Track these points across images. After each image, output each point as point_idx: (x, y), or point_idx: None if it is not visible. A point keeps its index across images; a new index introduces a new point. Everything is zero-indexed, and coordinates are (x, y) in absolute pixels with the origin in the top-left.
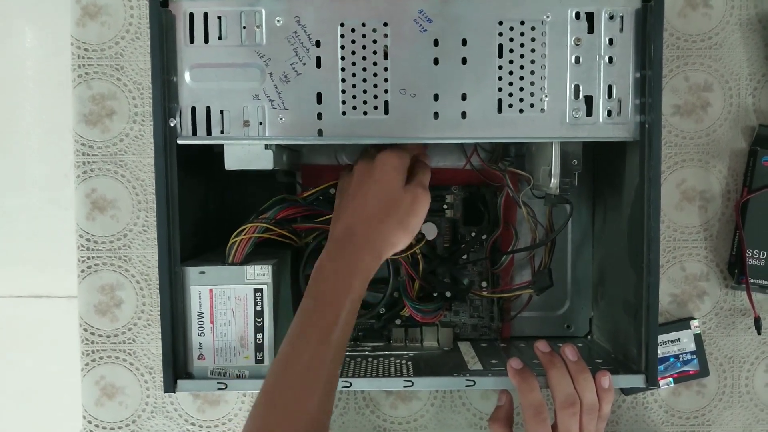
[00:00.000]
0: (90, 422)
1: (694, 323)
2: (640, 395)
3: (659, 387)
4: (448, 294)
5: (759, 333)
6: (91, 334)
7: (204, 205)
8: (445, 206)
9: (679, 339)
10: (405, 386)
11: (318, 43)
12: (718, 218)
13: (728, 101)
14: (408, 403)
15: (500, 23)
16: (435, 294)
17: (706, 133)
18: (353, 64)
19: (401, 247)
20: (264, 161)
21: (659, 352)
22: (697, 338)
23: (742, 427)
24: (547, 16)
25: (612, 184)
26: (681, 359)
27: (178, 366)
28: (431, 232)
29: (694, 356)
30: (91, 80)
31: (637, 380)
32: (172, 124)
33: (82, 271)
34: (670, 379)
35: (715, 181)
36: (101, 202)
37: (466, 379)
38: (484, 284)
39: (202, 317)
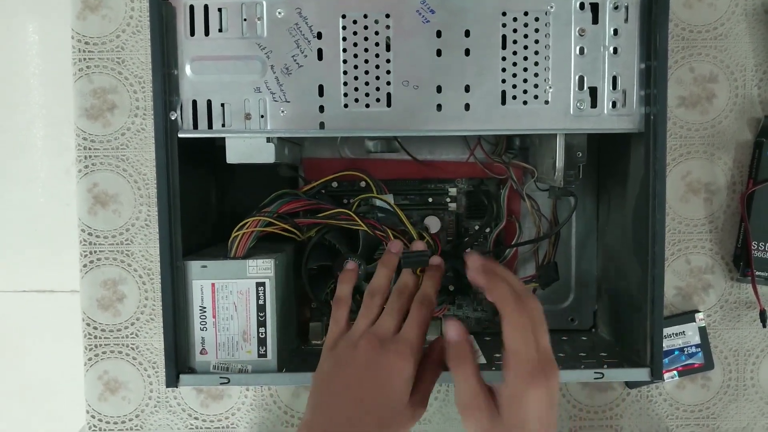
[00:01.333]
0: (93, 417)
1: (699, 316)
2: (644, 389)
3: (664, 380)
4: (451, 288)
5: (764, 326)
6: (93, 328)
7: (206, 199)
8: (448, 199)
9: (683, 332)
10: None
11: (320, 35)
12: (723, 210)
13: (734, 92)
14: None
15: (503, 14)
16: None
17: (711, 125)
18: (355, 56)
19: None
20: (266, 154)
21: (664, 345)
22: (702, 331)
23: (747, 421)
24: (551, 7)
25: (616, 177)
26: (686, 352)
27: (180, 361)
28: (434, 225)
29: (699, 349)
30: (92, 74)
31: (642, 374)
32: (173, 118)
33: (85, 265)
34: (675, 372)
35: (720, 173)
36: (103, 196)
37: None
38: None
39: (205, 312)
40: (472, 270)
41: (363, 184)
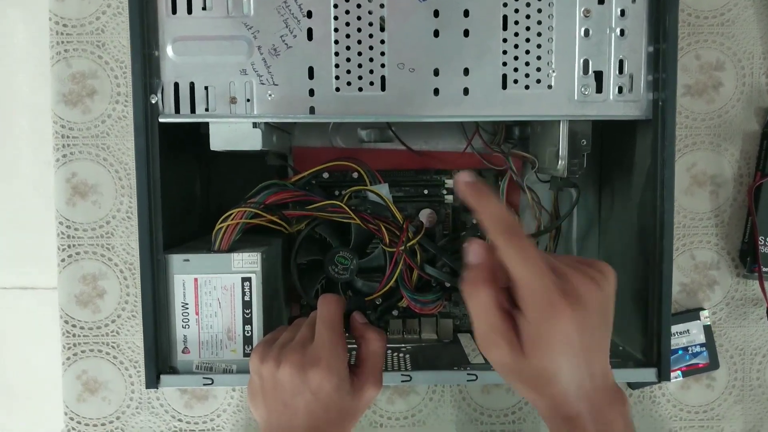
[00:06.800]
0: (72, 419)
1: (704, 314)
2: (647, 389)
3: (670, 380)
4: (447, 284)
5: None
6: (72, 326)
7: (190, 190)
8: (444, 191)
9: (688, 330)
10: (403, 381)
11: (309, 14)
12: (729, 204)
13: (741, 81)
14: (406, 398)
15: None
16: (434, 284)
17: (717, 115)
18: (347, 36)
19: None
20: (252, 141)
21: None
22: (707, 329)
23: (753, 422)
24: None
25: (621, 167)
26: (690, 351)
27: (161, 360)
28: (430, 219)
29: (704, 348)
30: (71, 58)
31: (648, 374)
32: (153, 101)
33: (63, 260)
34: (679, 372)
35: (727, 165)
36: (82, 187)
37: (468, 373)
38: None
39: (187, 308)
40: (460, 184)
41: (355, 175)
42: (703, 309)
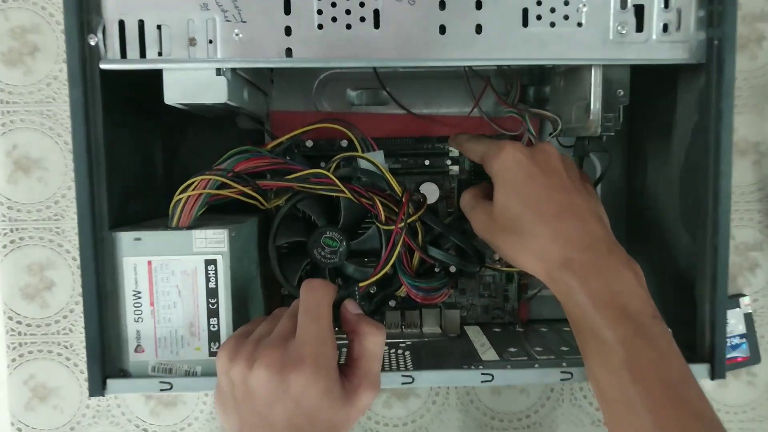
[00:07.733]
0: (20, 429)
1: (745, 301)
2: None
3: (725, 377)
4: (452, 269)
5: None
6: (17, 323)
7: (148, 161)
8: (448, 161)
9: (726, 320)
10: (404, 383)
11: None
12: None
13: None
14: (405, 401)
15: None
16: (438, 269)
17: (762, 73)
18: None
19: None
20: (216, 92)
21: None
22: (748, 319)
23: None
24: None
25: (658, 124)
26: (729, 343)
27: (108, 361)
28: (433, 193)
29: (744, 340)
30: (9, 9)
31: (698, 371)
32: (92, 43)
33: (4, 246)
34: None
35: None
36: (25, 161)
37: (482, 373)
38: (497, 256)
39: (140, 298)
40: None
41: (344, 142)
42: (743, 295)
